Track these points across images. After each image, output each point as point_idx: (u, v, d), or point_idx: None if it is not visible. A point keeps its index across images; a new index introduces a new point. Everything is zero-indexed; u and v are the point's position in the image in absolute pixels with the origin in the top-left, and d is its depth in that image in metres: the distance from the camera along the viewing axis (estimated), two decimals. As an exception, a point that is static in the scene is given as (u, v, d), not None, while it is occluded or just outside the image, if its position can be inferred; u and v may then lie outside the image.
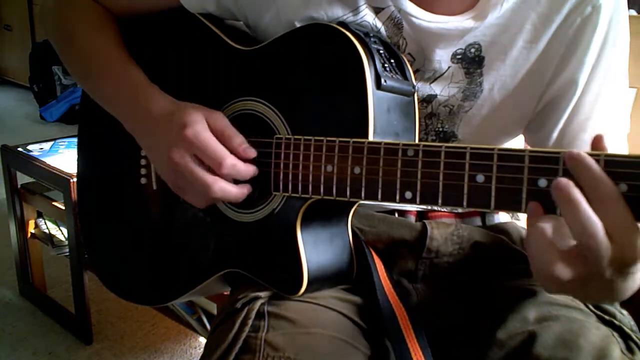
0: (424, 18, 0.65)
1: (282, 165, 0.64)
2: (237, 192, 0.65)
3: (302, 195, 0.63)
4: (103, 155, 0.87)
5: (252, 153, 0.65)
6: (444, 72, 0.68)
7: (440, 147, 0.53)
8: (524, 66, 0.67)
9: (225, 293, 0.91)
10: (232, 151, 0.64)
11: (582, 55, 0.66)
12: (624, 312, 0.68)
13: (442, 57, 0.67)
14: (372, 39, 0.62)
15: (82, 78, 0.81)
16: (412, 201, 0.55)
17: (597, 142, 0.47)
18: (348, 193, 0.59)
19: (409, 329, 0.64)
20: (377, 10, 0.67)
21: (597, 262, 0.45)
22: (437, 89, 0.69)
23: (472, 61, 0.67)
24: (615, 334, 0.63)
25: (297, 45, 0.65)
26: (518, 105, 0.70)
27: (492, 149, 0.50)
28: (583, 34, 0.65)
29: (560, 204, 0.46)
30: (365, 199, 0.58)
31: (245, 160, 0.64)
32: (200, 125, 0.63)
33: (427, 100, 0.70)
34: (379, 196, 0.57)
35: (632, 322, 0.67)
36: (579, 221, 0.44)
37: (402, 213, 0.77)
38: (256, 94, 0.67)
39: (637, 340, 0.63)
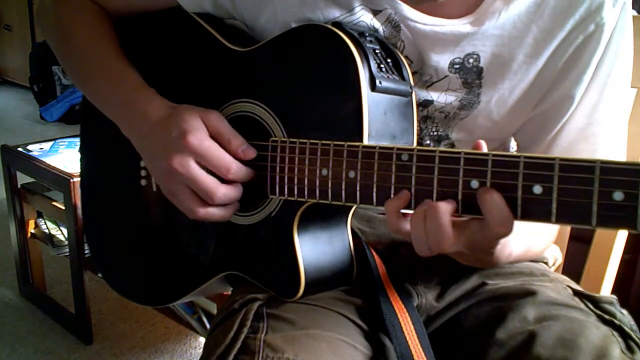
0: (419, 21, 0.65)
1: (278, 169, 0.63)
2: (236, 194, 0.65)
3: (298, 199, 0.62)
4: (105, 155, 0.87)
5: (252, 153, 0.65)
6: (441, 79, 0.68)
7: (435, 151, 0.52)
8: (523, 81, 0.67)
9: (226, 293, 0.91)
10: (232, 154, 0.64)
11: (580, 72, 0.66)
12: (624, 311, 0.68)
13: (439, 64, 0.67)
14: (367, 39, 0.62)
15: (77, 78, 0.80)
16: (406, 206, 0.54)
17: (477, 148, 0.52)
18: (343, 197, 0.59)
19: (411, 329, 0.64)
20: (374, 12, 0.67)
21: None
22: (434, 95, 0.69)
23: (470, 72, 0.67)
24: (615, 334, 0.63)
25: (291, 46, 0.64)
26: (513, 115, 0.70)
27: (487, 155, 0.49)
28: (584, 52, 0.65)
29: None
30: (360, 203, 0.58)
31: (245, 161, 0.64)
32: (202, 132, 0.63)
33: (423, 105, 0.70)
34: (374, 200, 0.56)
35: (632, 322, 0.67)
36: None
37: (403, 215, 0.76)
38: (252, 95, 0.67)
39: (637, 340, 0.63)
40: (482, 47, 0.65)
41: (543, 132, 0.70)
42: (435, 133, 0.72)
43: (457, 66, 0.67)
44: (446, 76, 0.67)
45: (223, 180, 0.64)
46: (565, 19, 0.64)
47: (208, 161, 0.63)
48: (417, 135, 0.71)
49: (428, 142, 0.73)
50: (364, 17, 0.66)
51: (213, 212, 0.65)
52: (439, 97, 0.69)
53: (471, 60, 0.66)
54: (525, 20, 0.64)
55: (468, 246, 0.53)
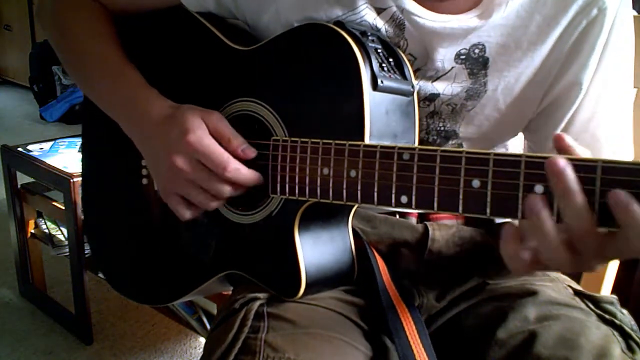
0: (427, 17, 0.65)
1: (279, 168, 0.63)
2: (248, 174, 0.64)
3: (299, 198, 0.62)
4: (106, 155, 0.87)
5: (252, 153, 0.65)
6: (447, 72, 0.68)
7: (436, 151, 0.52)
8: (529, 68, 0.67)
9: (226, 293, 0.91)
10: (232, 153, 0.64)
11: (586, 58, 0.66)
12: (625, 311, 0.68)
13: (445, 57, 0.67)
14: (369, 38, 0.62)
15: (78, 78, 0.80)
16: (407, 205, 0.54)
17: (558, 141, 0.49)
18: (344, 196, 0.59)
19: (412, 329, 0.64)
20: (378, 11, 0.67)
21: (550, 267, 0.51)
22: (439, 87, 0.69)
23: (476, 62, 0.67)
24: (616, 333, 0.63)
25: (293, 46, 0.64)
26: (521, 105, 0.70)
27: (488, 154, 0.49)
28: (588, 36, 0.65)
29: (528, 218, 0.47)
30: (362, 202, 0.58)
31: (245, 160, 0.64)
32: (202, 131, 0.63)
33: (429, 99, 0.70)
34: (375, 200, 0.56)
35: (633, 322, 0.67)
36: (541, 241, 0.47)
37: (404, 214, 0.76)
38: (253, 94, 0.67)
39: (638, 340, 0.63)
40: (487, 38, 0.66)
41: (552, 124, 0.70)
42: (442, 128, 0.72)
43: (463, 57, 0.67)
44: (452, 68, 0.67)
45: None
46: (568, 5, 0.64)
47: (206, 159, 0.63)
48: (424, 131, 0.72)
49: (435, 137, 0.72)
50: (367, 16, 0.66)
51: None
52: (445, 89, 0.69)
53: (477, 51, 0.66)
54: (528, 9, 0.64)
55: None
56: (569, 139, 0.49)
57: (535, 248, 0.49)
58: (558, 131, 0.70)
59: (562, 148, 0.49)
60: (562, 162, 0.45)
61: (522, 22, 0.65)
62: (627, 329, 0.64)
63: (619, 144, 0.71)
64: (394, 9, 0.66)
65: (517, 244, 0.50)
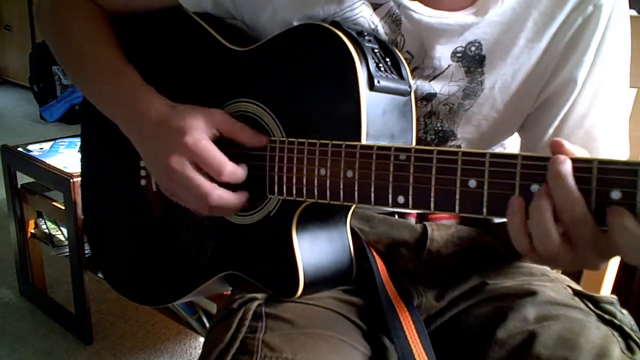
0: (424, 13, 0.65)
1: (276, 168, 0.63)
2: (235, 200, 0.64)
3: (297, 199, 0.62)
4: (104, 155, 0.87)
5: (263, 140, 0.64)
6: (444, 70, 0.68)
7: (432, 151, 0.52)
8: (526, 65, 0.67)
9: (226, 293, 0.91)
10: (243, 144, 0.64)
11: (581, 54, 0.66)
12: (624, 311, 0.68)
13: (442, 54, 0.67)
14: (366, 38, 0.62)
15: (76, 79, 0.80)
16: (404, 206, 0.54)
17: (557, 147, 0.48)
18: (341, 197, 0.59)
19: (411, 328, 0.64)
20: (375, 6, 0.66)
21: (549, 260, 0.51)
22: (436, 87, 0.69)
23: (472, 60, 0.67)
24: (616, 334, 0.63)
25: (290, 46, 0.64)
26: (518, 103, 0.70)
27: (484, 154, 0.49)
28: (583, 33, 0.65)
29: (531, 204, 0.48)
30: (359, 202, 0.58)
31: (242, 159, 0.64)
32: (200, 132, 0.63)
33: (426, 98, 0.70)
34: (372, 200, 0.56)
35: (632, 322, 0.67)
36: (539, 233, 0.48)
37: (402, 214, 0.76)
38: (250, 95, 0.67)
39: (637, 340, 0.63)
40: (483, 35, 0.65)
41: (547, 120, 0.70)
42: (440, 128, 0.72)
43: (460, 54, 0.67)
44: (449, 66, 0.67)
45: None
46: (564, 2, 0.64)
47: (202, 162, 0.62)
48: (422, 130, 0.71)
49: (432, 137, 0.72)
50: (364, 12, 0.66)
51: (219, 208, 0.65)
52: (442, 89, 0.69)
53: (473, 48, 0.66)
54: (524, 5, 0.64)
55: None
56: (567, 145, 0.48)
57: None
58: (552, 128, 0.70)
59: (560, 154, 0.49)
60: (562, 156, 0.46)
61: (518, 18, 0.65)
62: (626, 329, 0.64)
63: (614, 142, 0.71)
64: (391, 4, 0.66)
65: (523, 217, 0.49)
